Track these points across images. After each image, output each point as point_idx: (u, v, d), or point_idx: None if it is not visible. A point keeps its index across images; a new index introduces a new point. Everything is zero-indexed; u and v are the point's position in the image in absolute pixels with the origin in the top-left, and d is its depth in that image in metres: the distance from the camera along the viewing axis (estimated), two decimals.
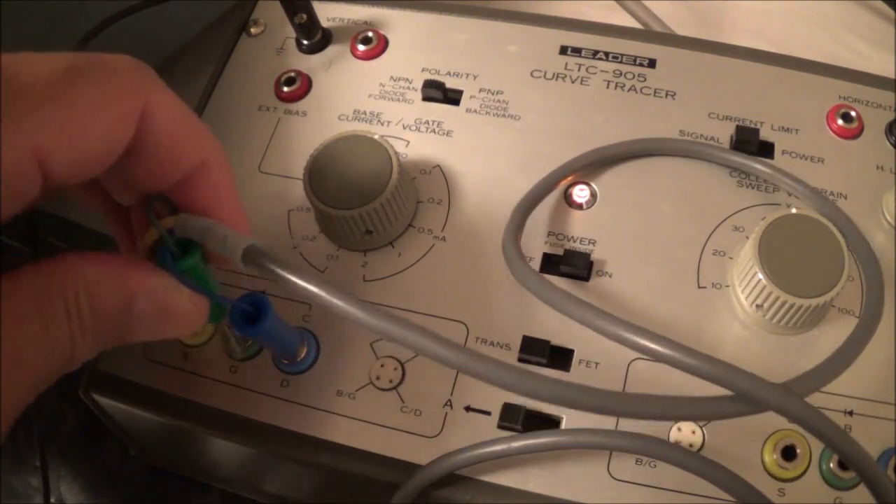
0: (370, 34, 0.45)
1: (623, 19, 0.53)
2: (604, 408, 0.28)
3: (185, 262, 0.28)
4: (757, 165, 0.39)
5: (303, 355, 0.37)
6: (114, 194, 0.30)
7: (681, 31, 0.52)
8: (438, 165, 0.41)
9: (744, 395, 0.28)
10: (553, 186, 0.40)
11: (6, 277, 0.24)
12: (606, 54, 0.44)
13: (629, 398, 0.30)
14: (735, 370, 0.28)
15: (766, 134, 0.41)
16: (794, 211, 0.35)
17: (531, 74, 0.43)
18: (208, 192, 0.29)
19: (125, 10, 0.47)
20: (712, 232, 0.38)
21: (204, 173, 0.29)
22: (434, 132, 0.42)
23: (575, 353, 0.36)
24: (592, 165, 0.40)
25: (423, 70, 0.44)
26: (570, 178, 0.40)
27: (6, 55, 0.24)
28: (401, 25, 0.46)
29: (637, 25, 0.53)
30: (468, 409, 0.36)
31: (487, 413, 0.35)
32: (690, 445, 0.34)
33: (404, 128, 0.43)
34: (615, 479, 0.34)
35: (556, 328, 0.36)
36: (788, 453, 0.33)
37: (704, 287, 0.37)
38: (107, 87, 0.25)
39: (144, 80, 0.27)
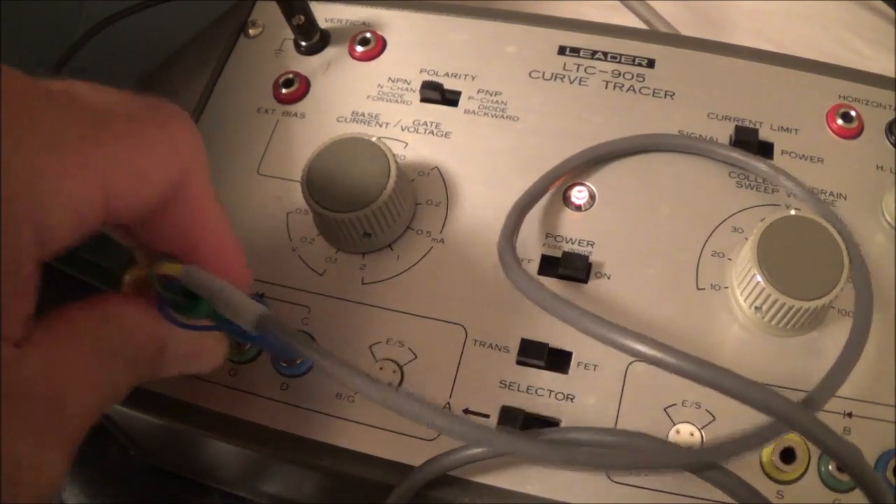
0: (368, 35, 0.45)
1: (623, 19, 0.53)
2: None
3: (199, 310, 0.29)
4: (753, 162, 0.39)
5: (302, 358, 0.37)
6: None
7: (681, 30, 0.52)
8: (437, 167, 0.41)
9: (735, 396, 0.28)
10: (549, 186, 0.40)
11: (62, 323, 0.25)
12: (605, 54, 0.44)
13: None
14: (725, 372, 0.29)
15: (765, 134, 0.41)
16: (793, 212, 0.35)
17: (529, 75, 0.43)
18: (219, 261, 0.30)
19: (125, 10, 0.47)
20: (711, 233, 0.38)
21: (215, 247, 0.30)
22: (432, 133, 0.42)
23: (574, 356, 0.36)
24: (588, 164, 0.40)
25: (421, 71, 0.44)
26: (567, 178, 0.40)
27: (81, 83, 0.25)
28: (399, 26, 0.46)
29: (640, 24, 0.53)
30: (466, 411, 0.36)
31: (486, 416, 0.35)
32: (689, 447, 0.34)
33: (402, 129, 0.42)
34: (614, 481, 0.34)
35: (556, 330, 0.36)
36: (787, 455, 0.33)
37: (703, 289, 0.37)
38: (168, 130, 0.26)
39: (196, 130, 0.28)
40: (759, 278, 0.34)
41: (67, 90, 0.24)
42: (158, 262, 0.28)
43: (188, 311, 0.28)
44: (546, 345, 0.36)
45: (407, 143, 0.42)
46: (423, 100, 0.43)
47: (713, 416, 0.34)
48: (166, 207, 0.27)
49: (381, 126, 0.43)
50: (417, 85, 0.43)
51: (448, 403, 0.36)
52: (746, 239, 0.36)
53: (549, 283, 0.38)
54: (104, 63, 0.46)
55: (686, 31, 0.51)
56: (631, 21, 0.53)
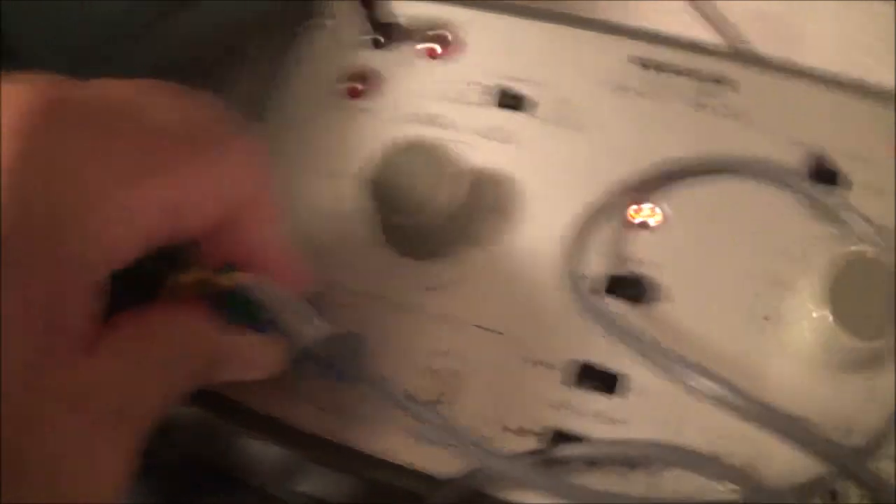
0: (444, 34, 0.45)
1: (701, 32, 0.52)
2: None
3: (255, 319, 0.29)
4: (825, 197, 0.38)
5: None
6: None
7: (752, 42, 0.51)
8: (502, 174, 0.41)
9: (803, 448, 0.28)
10: (617, 201, 0.39)
11: (124, 331, 0.25)
12: (682, 70, 0.42)
13: None
14: (798, 426, 0.29)
15: (841, 164, 0.39)
16: (862, 248, 0.35)
17: (605, 86, 0.42)
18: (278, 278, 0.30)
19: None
20: (780, 263, 0.38)
21: (274, 265, 0.30)
22: (501, 140, 0.41)
23: (627, 379, 0.36)
24: (656, 181, 0.40)
25: (494, 74, 0.43)
26: (633, 195, 0.40)
27: (146, 92, 0.25)
28: (475, 27, 0.45)
29: (716, 36, 0.52)
30: (517, 430, 0.35)
31: (534, 434, 0.35)
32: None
33: (471, 133, 0.42)
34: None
35: (610, 353, 0.36)
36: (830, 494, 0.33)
37: (768, 319, 0.37)
38: (231, 151, 0.27)
39: (260, 148, 0.28)
40: (824, 313, 0.34)
41: (130, 108, 0.24)
42: (221, 270, 0.28)
43: (245, 319, 0.29)
44: (599, 367, 0.36)
45: (474, 148, 0.41)
46: (494, 104, 0.42)
47: (759, 450, 0.34)
48: (228, 226, 0.27)
49: (449, 129, 0.42)
50: (489, 88, 0.43)
51: (493, 419, 0.36)
52: (815, 272, 0.35)
53: (609, 302, 0.37)
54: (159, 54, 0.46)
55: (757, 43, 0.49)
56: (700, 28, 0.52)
